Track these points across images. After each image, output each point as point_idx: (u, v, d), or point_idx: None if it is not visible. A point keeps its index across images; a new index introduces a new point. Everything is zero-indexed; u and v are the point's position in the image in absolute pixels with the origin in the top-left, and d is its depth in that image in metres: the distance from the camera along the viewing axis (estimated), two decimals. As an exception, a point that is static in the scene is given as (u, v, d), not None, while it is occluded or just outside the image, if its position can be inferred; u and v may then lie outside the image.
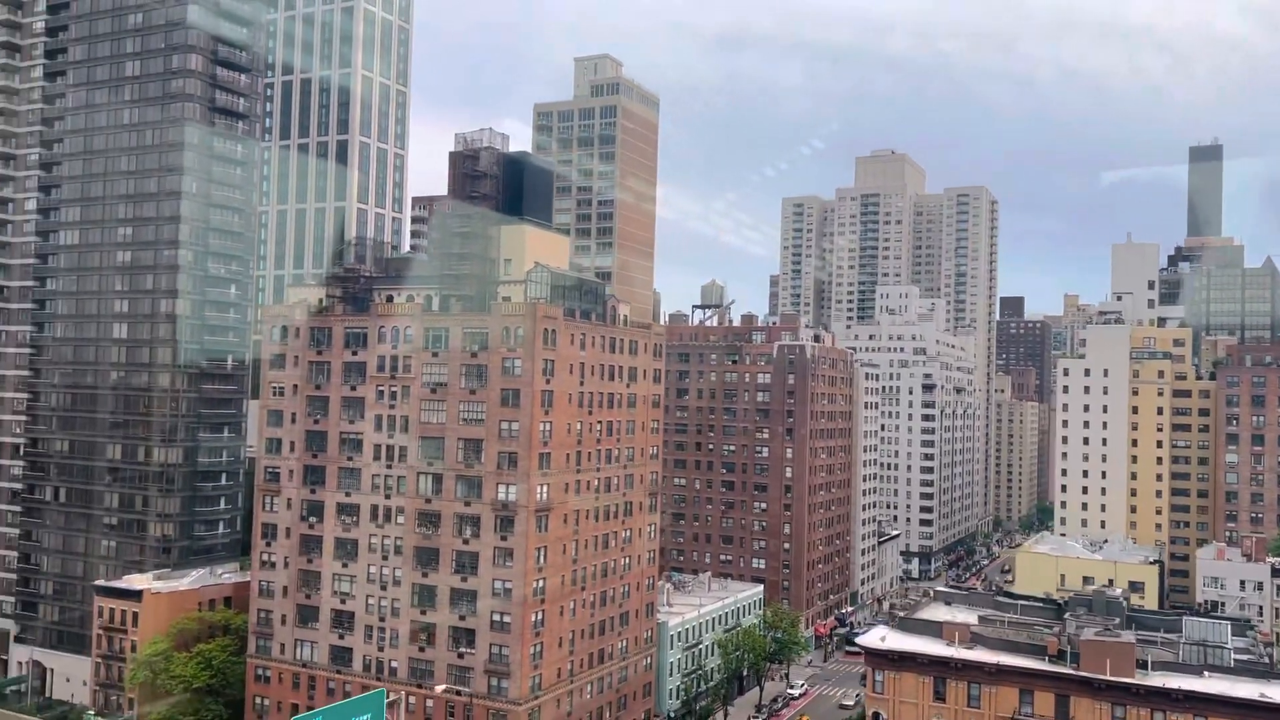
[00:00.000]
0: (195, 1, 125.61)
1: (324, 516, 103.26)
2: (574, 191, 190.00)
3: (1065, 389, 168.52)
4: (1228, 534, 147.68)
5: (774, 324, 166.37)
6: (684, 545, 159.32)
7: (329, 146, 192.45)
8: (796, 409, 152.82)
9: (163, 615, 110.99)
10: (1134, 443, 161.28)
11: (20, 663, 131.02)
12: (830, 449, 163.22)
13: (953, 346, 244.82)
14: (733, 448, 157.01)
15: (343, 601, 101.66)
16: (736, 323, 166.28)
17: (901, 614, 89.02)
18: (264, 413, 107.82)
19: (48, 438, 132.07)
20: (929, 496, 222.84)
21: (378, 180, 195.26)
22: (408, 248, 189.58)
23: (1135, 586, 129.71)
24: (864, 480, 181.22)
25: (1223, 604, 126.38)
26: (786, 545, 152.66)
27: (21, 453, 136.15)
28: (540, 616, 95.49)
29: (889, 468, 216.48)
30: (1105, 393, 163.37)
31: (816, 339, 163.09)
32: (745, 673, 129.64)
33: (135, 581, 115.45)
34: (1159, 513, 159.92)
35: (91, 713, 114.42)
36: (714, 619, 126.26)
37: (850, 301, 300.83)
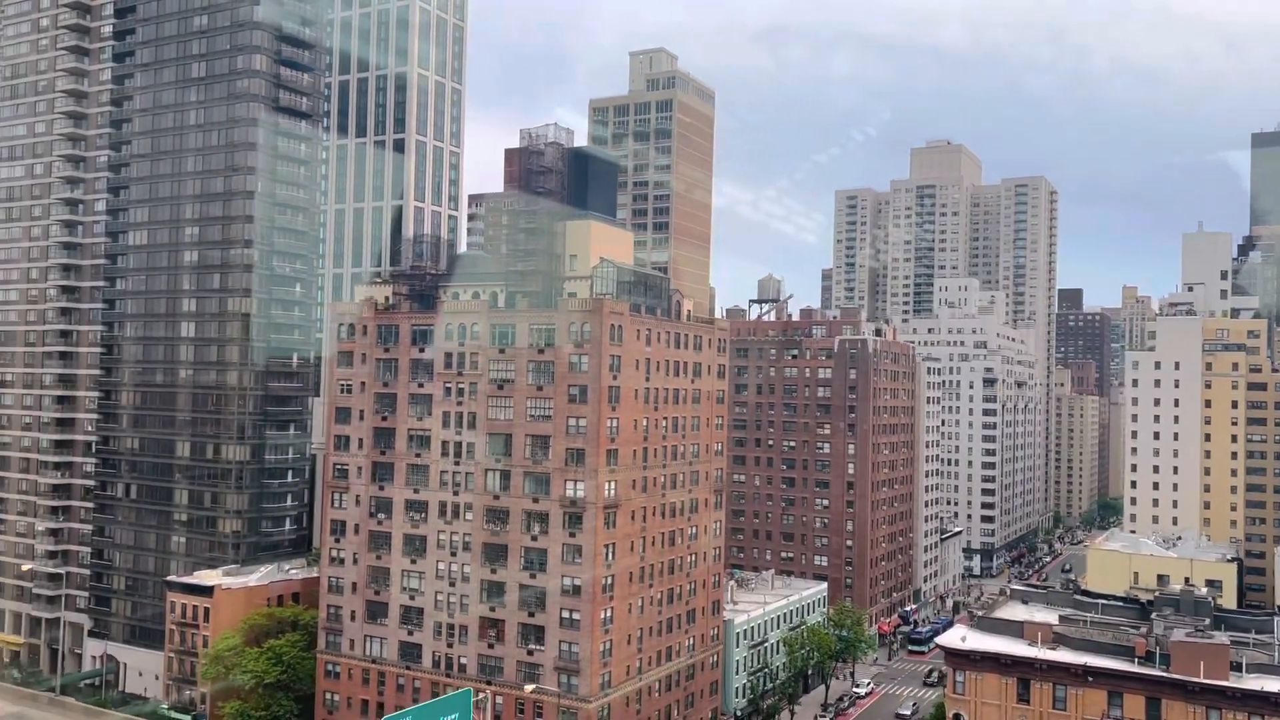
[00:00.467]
0: (259, 2, 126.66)
1: (392, 513, 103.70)
2: (630, 186, 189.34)
3: (1135, 382, 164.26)
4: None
5: (834, 318, 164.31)
6: (743, 542, 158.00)
7: (385, 144, 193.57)
8: (859, 404, 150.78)
9: (233, 611, 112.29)
10: (1207, 437, 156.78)
11: (94, 657, 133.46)
12: (893, 444, 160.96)
13: (1013, 340, 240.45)
14: (793, 443, 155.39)
15: (411, 598, 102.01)
16: (795, 317, 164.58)
17: (980, 613, 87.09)
18: (332, 410, 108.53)
19: (119, 435, 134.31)
20: (990, 492, 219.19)
21: (434, 178, 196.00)
22: (464, 245, 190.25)
23: (1213, 585, 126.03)
24: (926, 476, 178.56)
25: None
26: (849, 542, 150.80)
27: (94, 450, 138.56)
28: (609, 613, 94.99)
29: (949, 463, 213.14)
30: (1176, 386, 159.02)
31: (878, 333, 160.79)
32: (810, 671, 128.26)
33: (206, 577, 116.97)
34: (1233, 509, 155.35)
35: (165, 706, 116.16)
36: (779, 617, 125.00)
37: (906, 294, 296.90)
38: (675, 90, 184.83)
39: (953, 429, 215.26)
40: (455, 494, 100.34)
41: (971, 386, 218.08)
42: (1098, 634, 79.99)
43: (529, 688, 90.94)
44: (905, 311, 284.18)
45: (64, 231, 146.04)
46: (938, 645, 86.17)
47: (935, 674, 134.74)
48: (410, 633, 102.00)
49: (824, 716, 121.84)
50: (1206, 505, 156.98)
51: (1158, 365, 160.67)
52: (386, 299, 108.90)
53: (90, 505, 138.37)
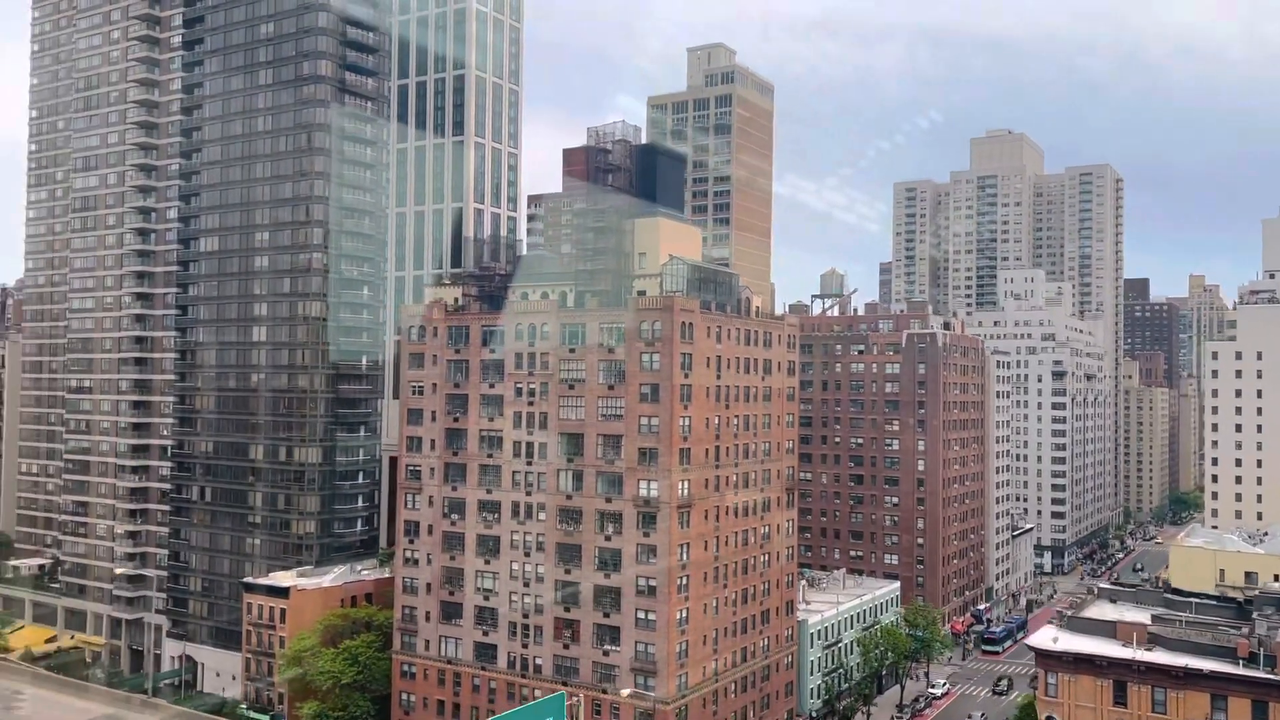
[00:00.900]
0: (325, 8, 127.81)
1: (465, 513, 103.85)
2: (690, 182, 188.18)
3: (1214, 373, 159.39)
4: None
5: (900, 311, 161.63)
6: (811, 541, 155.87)
7: (445, 147, 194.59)
8: (928, 399, 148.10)
9: (309, 612, 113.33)
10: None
11: (173, 657, 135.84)
12: (963, 440, 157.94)
13: (1081, 332, 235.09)
14: (860, 440, 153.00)
15: (486, 598, 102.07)
16: (859, 311, 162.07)
17: (1069, 613, 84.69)
18: (404, 411, 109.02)
19: (194, 439, 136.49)
20: (1060, 488, 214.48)
21: (493, 179, 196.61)
22: (524, 246, 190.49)
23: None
24: (996, 472, 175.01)
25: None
26: (920, 540, 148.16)
27: (170, 454, 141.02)
28: (684, 614, 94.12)
29: (1018, 458, 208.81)
30: (1259, 376, 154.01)
31: (946, 326, 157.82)
32: (884, 672, 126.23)
33: (281, 579, 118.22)
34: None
35: (244, 706, 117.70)
36: (852, 616, 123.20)
37: (968, 287, 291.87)
38: (734, 85, 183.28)
39: (1021, 423, 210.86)
40: (528, 494, 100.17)
41: (1040, 380, 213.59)
42: (1196, 634, 77.21)
43: (625, 692, 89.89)
44: (968, 304, 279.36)
45: (138, 239, 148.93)
46: (1029, 646, 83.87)
47: (1005, 681, 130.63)
48: (485, 633, 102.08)
49: (900, 717, 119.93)
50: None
51: (1238, 355, 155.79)
52: (455, 300, 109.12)
53: (167, 508, 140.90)
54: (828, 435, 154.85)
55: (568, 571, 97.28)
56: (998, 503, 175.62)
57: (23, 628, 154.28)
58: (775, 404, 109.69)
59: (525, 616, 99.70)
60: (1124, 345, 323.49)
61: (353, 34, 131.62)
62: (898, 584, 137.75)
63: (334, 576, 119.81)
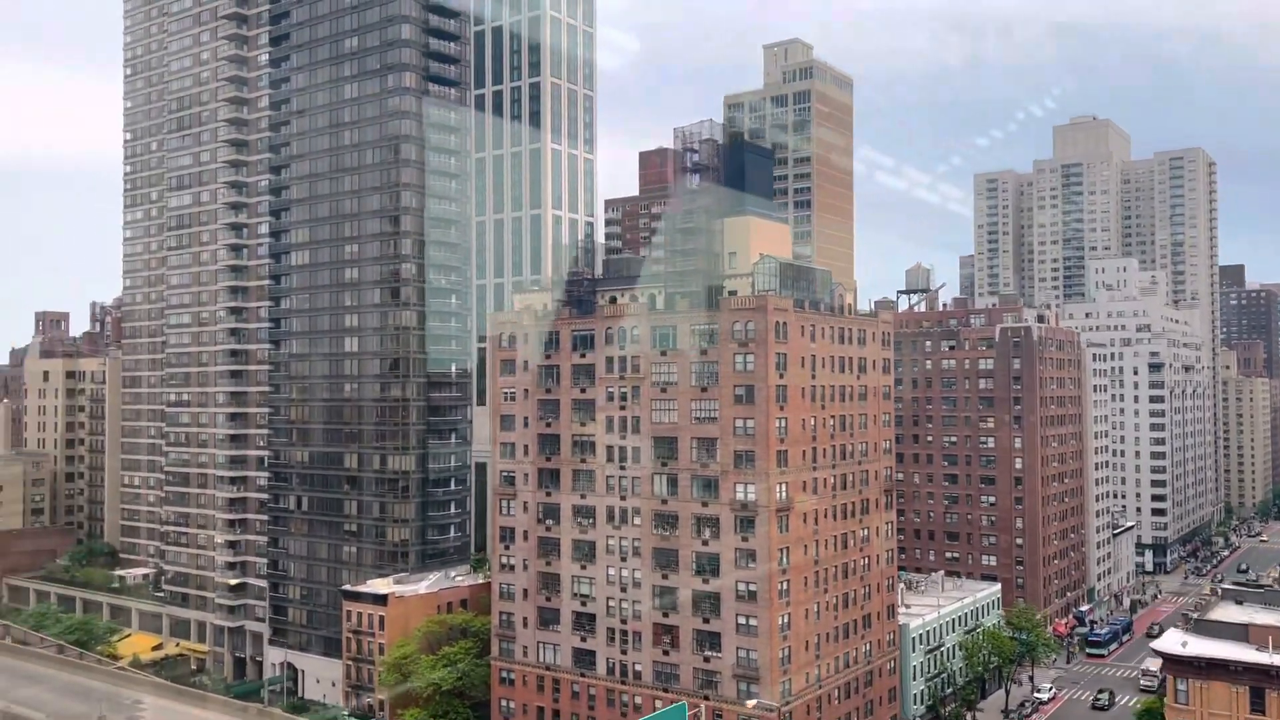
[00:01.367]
0: (408, 21, 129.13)
1: (560, 519, 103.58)
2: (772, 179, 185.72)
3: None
4: None
5: (992, 305, 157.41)
6: (905, 542, 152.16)
7: (522, 155, 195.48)
8: (1024, 395, 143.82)
9: (406, 618, 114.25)
10: None
11: (274, 664, 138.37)
12: (1061, 436, 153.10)
13: (1177, 322, 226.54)
14: (954, 439, 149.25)
15: (583, 604, 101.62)
16: (947, 306, 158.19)
17: (1195, 615, 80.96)
18: (497, 418, 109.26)
19: (289, 449, 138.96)
20: (1161, 484, 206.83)
21: (569, 185, 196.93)
22: (602, 251, 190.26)
23: None
24: (1095, 469, 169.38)
25: None
26: (1019, 540, 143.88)
27: (266, 465, 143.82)
28: (786, 619, 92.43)
29: (1116, 454, 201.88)
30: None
31: (1040, 319, 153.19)
32: (987, 676, 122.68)
33: (378, 586, 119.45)
34: None
35: (345, 712, 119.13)
36: (954, 620, 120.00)
37: (1055, 278, 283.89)
38: (813, 80, 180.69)
39: (1118, 418, 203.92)
40: (622, 499, 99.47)
41: (1136, 373, 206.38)
42: (1336, 637, 73.07)
43: (750, 703, 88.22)
44: (1055, 296, 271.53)
45: (230, 255, 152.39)
46: (1155, 651, 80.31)
47: (1107, 694, 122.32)
48: (583, 639, 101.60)
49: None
50: None
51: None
52: (545, 306, 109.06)
53: (265, 518, 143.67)
54: (919, 434, 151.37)
55: (665, 576, 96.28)
56: (1097, 500, 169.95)
57: (130, 635, 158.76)
58: (871, 403, 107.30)
59: (623, 622, 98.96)
60: (1221, 335, 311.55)
61: (435, 45, 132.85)
62: (998, 585, 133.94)
63: (430, 583, 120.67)
